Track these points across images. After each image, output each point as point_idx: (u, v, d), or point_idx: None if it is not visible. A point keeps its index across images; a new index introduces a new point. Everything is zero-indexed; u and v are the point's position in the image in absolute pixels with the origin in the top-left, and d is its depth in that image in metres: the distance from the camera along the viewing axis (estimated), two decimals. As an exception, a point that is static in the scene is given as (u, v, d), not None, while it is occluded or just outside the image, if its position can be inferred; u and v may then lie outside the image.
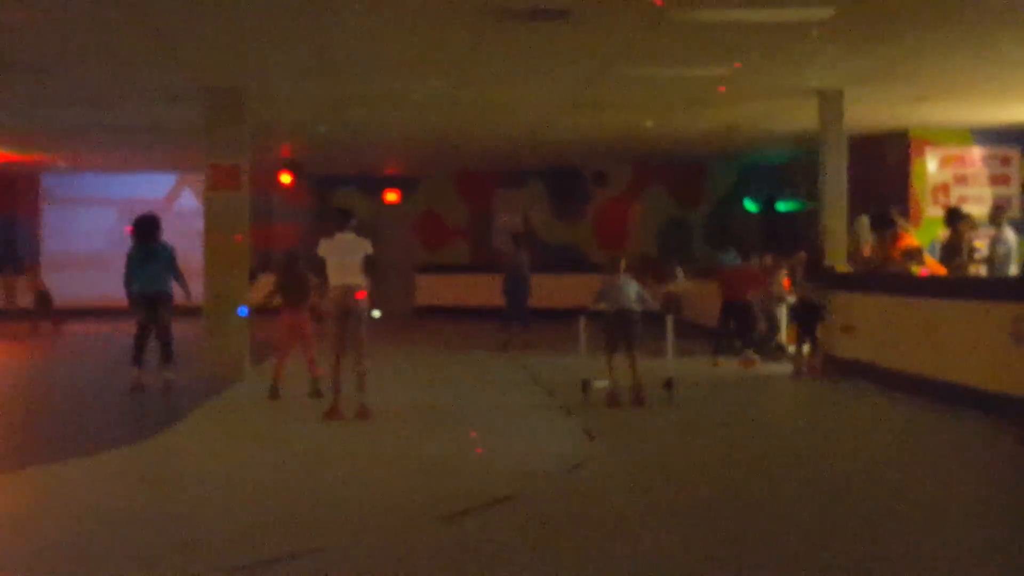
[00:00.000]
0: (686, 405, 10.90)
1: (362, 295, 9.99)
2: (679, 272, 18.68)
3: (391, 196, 25.11)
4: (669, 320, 11.30)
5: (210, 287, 13.25)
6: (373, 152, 20.96)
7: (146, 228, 12.17)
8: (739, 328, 14.77)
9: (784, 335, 15.27)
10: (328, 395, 10.43)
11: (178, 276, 12.18)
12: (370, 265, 10.00)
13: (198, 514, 6.34)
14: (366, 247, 10.07)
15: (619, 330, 11.04)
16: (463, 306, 24.02)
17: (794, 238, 19.14)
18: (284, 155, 21.05)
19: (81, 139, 18.70)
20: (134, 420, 10.29)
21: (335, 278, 9.98)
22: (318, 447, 8.64)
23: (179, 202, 25.12)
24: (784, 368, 13.98)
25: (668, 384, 11.09)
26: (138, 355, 12.02)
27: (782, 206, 22.65)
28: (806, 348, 13.58)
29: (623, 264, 11.37)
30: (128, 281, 11.98)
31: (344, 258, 10.00)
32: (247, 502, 6.66)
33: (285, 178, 21.80)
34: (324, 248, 10.07)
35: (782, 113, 15.81)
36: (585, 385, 11.08)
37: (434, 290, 24.87)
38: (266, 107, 14.72)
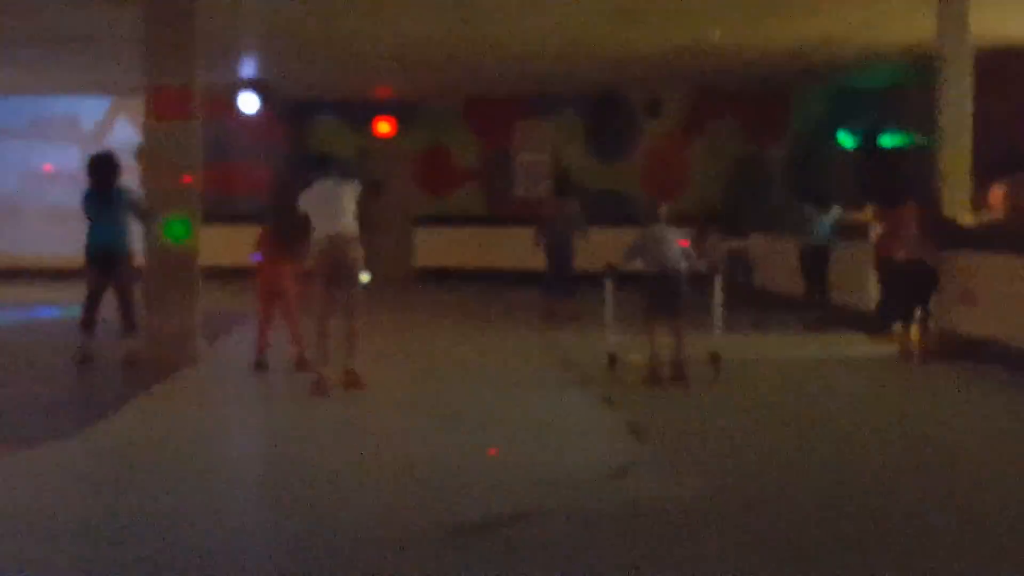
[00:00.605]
0: (761, 393, 10.98)
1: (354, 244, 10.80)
2: (749, 233, 18.65)
3: (384, 127, 25.03)
4: (717, 281, 11.76)
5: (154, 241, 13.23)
6: (361, 70, 20.89)
7: (103, 169, 12.68)
8: (908, 295, 13.91)
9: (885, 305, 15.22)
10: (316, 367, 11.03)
11: (147, 222, 12.66)
12: (371, 191, 10.76)
13: (143, 527, 6.39)
14: (353, 188, 10.95)
15: (660, 295, 11.49)
16: (475, 268, 24.02)
17: (902, 183, 18.98)
18: (247, 75, 20.96)
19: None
20: (76, 404, 10.60)
21: (320, 228, 10.78)
22: (296, 442, 8.74)
23: (112, 133, 25.13)
24: (881, 348, 14.00)
25: (714, 360, 11.57)
26: (88, 320, 12.58)
27: (886, 141, 22.48)
28: (915, 324, 13.49)
29: (665, 211, 11.78)
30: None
31: (328, 205, 10.80)
32: (204, 514, 6.71)
33: (246, 103, 21.75)
34: (305, 201, 10.95)
35: (889, 21, 15.65)
36: (612, 359, 11.79)
37: (439, 248, 24.91)
38: (224, 12, 14.64)
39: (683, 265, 11.54)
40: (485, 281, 23.08)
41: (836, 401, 10.93)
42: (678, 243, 11.59)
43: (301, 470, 7.89)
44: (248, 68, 20.46)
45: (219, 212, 21.06)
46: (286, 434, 9.30)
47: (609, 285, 12.02)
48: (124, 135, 24.43)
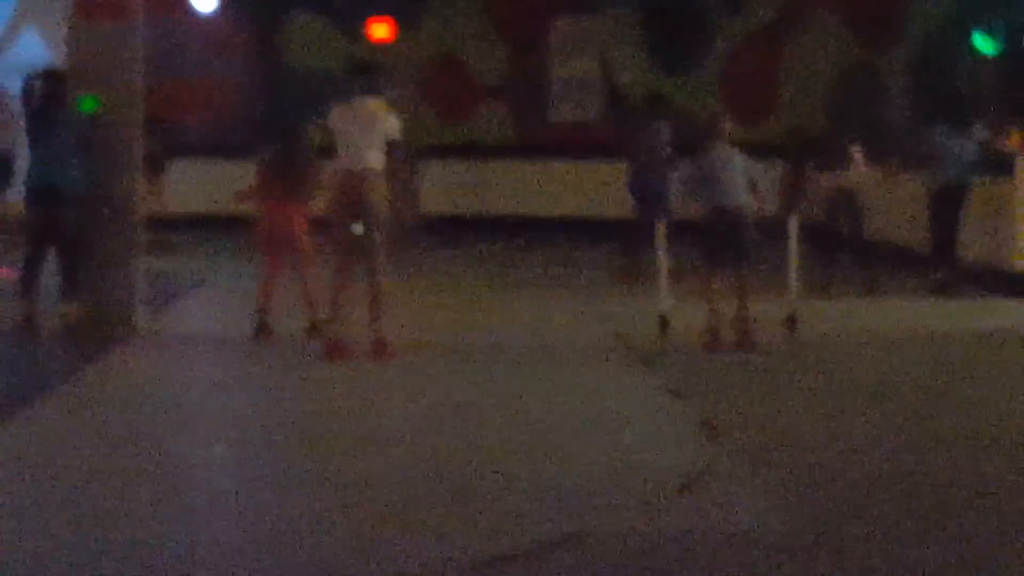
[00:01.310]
0: (870, 380, 11.01)
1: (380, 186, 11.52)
2: (857, 155, 18.34)
3: (380, 30, 24.97)
4: (793, 222, 12.34)
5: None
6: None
7: (46, 90, 13.04)
8: None
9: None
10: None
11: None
12: (398, 151, 11.70)
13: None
14: (392, 124, 11.65)
15: (719, 240, 12.03)
16: (500, 215, 23.98)
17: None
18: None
19: None
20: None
21: (344, 160, 11.54)
22: (269, 446, 8.86)
23: (16, 49, 25.09)
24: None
25: (791, 322, 12.35)
26: (29, 280, 13.00)
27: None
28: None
29: (729, 128, 12.30)
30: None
31: (359, 135, 11.49)
32: (160, 536, 6.79)
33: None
34: (335, 118, 11.66)
35: None
36: (664, 322, 12.44)
37: (453, 189, 24.86)
38: None
39: (747, 202, 11.95)
40: (513, 231, 22.97)
41: (972, 394, 10.82)
42: (743, 173, 12.01)
43: (287, 481, 7.95)
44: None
45: (169, 143, 21.23)
46: (250, 432, 9.39)
47: (660, 232, 12.57)
48: (32, 50, 24.29)
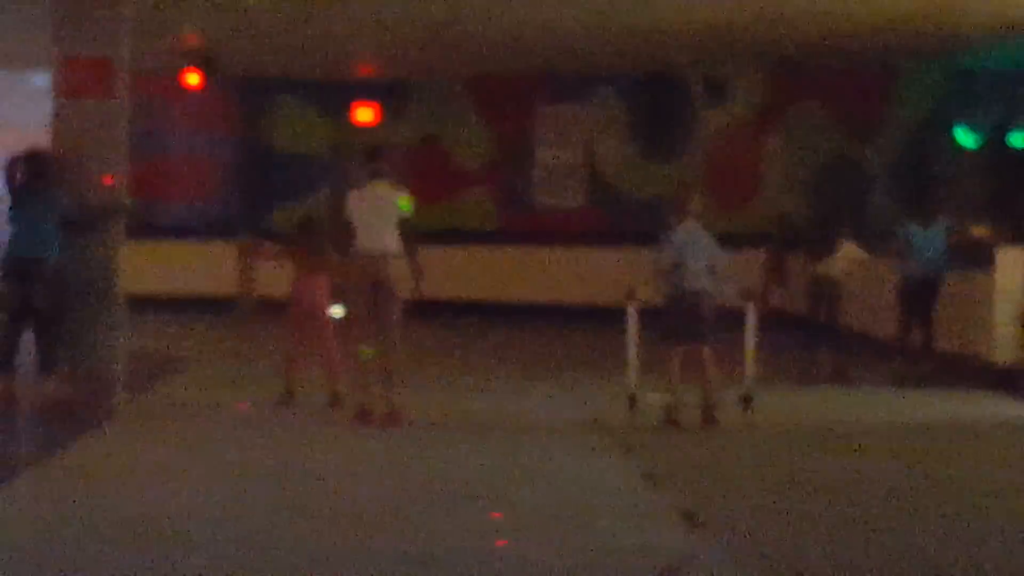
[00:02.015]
0: (854, 469, 11.00)
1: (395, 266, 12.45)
2: (843, 245, 18.30)
3: (364, 114, 25.06)
4: (750, 309, 12.87)
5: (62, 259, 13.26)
6: (333, 40, 20.93)
7: (33, 169, 13.03)
8: None
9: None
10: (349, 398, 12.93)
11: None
12: (407, 231, 12.51)
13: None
14: (403, 205, 12.53)
15: (680, 318, 12.53)
16: (481, 300, 23.94)
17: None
18: (189, 45, 20.99)
19: None
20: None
21: (363, 243, 12.43)
22: (251, 535, 8.66)
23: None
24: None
25: (746, 402, 12.84)
26: (6, 353, 12.98)
27: (1019, 140, 22.48)
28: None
29: (697, 206, 12.93)
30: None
31: (375, 218, 12.44)
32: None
33: (192, 79, 21.79)
34: (352, 203, 12.60)
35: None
36: (632, 401, 12.92)
37: (434, 273, 24.77)
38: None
39: (708, 285, 12.53)
40: (494, 316, 23.00)
41: (959, 482, 10.86)
42: (705, 256, 12.54)
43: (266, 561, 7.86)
44: (190, 38, 20.48)
45: (153, 223, 21.21)
46: (229, 522, 9.15)
47: (631, 313, 12.93)
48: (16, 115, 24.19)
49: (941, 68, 23.32)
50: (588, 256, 22.56)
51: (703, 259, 12.50)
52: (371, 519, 9.04)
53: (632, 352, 12.96)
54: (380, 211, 12.49)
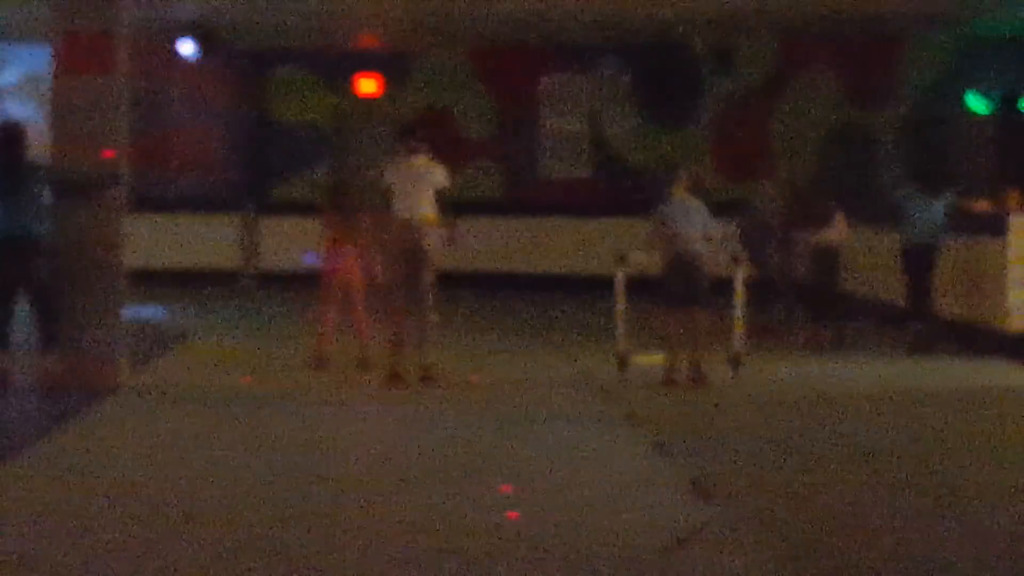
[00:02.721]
0: (860, 437, 11.11)
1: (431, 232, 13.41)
2: (838, 215, 18.48)
3: (367, 85, 25.07)
4: (738, 274, 13.66)
5: (63, 235, 13.22)
6: (335, 10, 20.88)
7: (8, 141, 13.03)
8: None
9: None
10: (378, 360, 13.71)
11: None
12: (445, 201, 13.46)
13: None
14: (441, 176, 13.52)
15: (675, 282, 13.40)
16: (486, 272, 23.90)
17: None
18: (187, 16, 20.95)
19: None
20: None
21: (400, 211, 13.36)
22: (251, 504, 8.63)
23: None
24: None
25: (734, 361, 13.64)
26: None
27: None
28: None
29: (688, 181, 13.85)
30: None
31: (412, 188, 13.41)
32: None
33: (186, 48, 21.84)
34: (390, 174, 13.60)
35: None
36: (621, 361, 13.75)
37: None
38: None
39: (702, 250, 13.38)
40: (499, 288, 23.05)
41: (960, 448, 10.93)
42: (700, 224, 13.42)
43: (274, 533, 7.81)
44: (189, 8, 20.43)
45: (153, 196, 21.17)
46: (232, 483, 9.20)
47: (619, 278, 13.86)
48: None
49: (952, 35, 23.28)
50: (594, 226, 22.46)
51: (697, 228, 13.38)
52: (386, 486, 9.21)
53: (621, 315, 13.79)
54: (419, 182, 13.45)
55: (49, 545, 7.56)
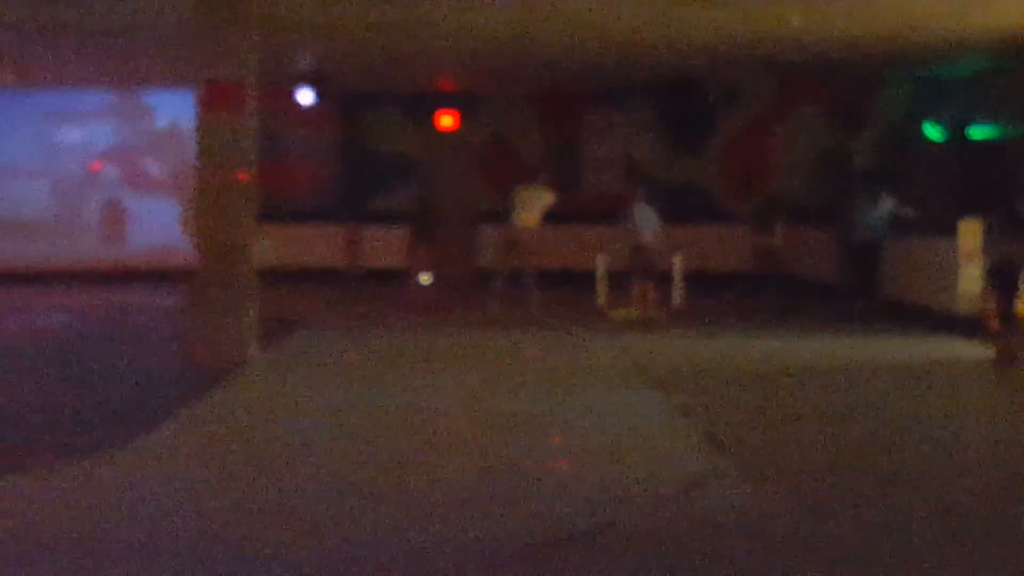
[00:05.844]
0: (848, 400, 11.05)
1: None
2: (779, 223, 20.89)
3: (446, 121, 25.10)
4: (677, 259, 17.41)
5: (206, 241, 13.43)
6: (420, 61, 20.90)
7: None
8: None
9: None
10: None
11: None
12: (545, 213, 18.14)
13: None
14: (548, 200, 18.26)
15: (637, 264, 16.99)
16: (547, 268, 23.79)
17: (994, 178, 18.78)
18: (304, 67, 21.04)
19: (27, 47, 18.80)
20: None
21: (516, 221, 18.37)
22: (335, 455, 8.77)
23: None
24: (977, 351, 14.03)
25: (669, 313, 16.91)
26: None
27: (977, 133, 22.22)
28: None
29: (643, 193, 17.60)
30: None
31: (531, 206, 18.27)
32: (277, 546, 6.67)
33: (303, 97, 21.96)
34: (519, 196, 18.35)
35: (981, 4, 15.46)
36: (601, 313, 17.09)
37: (502, 248, 24.77)
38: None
39: (652, 241, 17.02)
40: (556, 282, 22.69)
41: (930, 405, 10.95)
42: (652, 223, 17.19)
43: (344, 479, 7.92)
44: (305, 60, 20.52)
45: (278, 209, 21.40)
46: (326, 441, 9.31)
47: (600, 258, 17.61)
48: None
49: (913, 76, 23.10)
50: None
51: (651, 226, 17.25)
52: (449, 444, 9.20)
53: (600, 282, 17.64)
54: (534, 203, 18.16)
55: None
